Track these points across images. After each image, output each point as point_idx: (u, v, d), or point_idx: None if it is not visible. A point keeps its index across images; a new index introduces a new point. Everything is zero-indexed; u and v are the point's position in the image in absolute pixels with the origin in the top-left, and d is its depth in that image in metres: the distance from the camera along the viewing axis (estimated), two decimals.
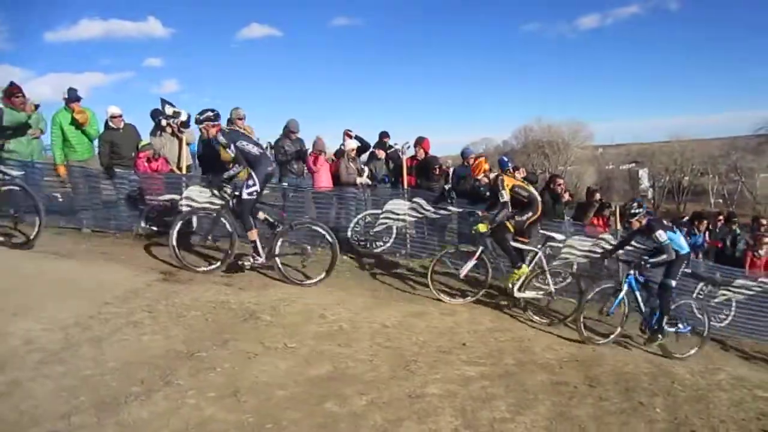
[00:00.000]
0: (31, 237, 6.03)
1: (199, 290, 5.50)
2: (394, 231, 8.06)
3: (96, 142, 7.65)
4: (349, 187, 8.35)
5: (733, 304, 8.26)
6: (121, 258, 6.31)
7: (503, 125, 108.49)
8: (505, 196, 6.33)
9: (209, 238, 6.39)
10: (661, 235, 6.03)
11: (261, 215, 6.22)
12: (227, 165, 8.24)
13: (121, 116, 7.54)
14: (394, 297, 6.42)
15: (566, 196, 8.66)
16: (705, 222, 9.01)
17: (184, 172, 7.77)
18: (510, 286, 6.54)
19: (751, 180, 39.65)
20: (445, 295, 6.59)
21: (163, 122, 7.63)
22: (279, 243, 6.25)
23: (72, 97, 7.39)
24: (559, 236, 6.88)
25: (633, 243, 6.90)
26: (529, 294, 6.56)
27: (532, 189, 6.68)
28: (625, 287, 6.17)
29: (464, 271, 6.54)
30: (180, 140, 7.79)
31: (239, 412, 3.41)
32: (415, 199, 8.07)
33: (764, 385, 5.15)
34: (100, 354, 3.91)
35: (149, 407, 3.33)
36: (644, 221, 6.22)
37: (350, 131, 8.68)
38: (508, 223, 6.39)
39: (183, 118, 7.65)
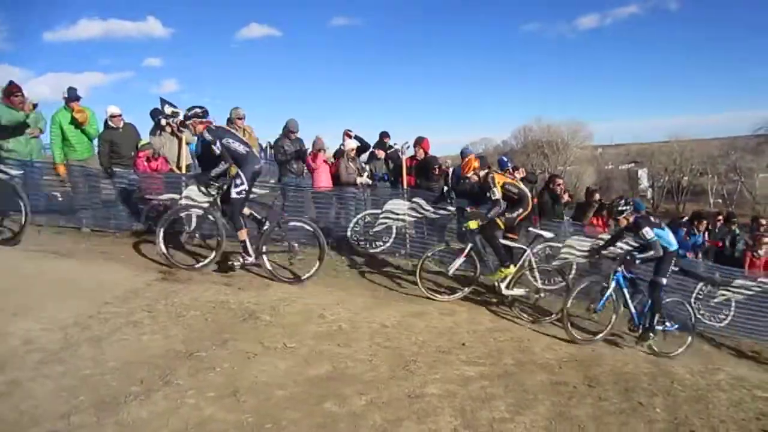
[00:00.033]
0: (17, 233, 6.03)
1: (198, 290, 5.50)
2: (394, 231, 8.06)
3: (95, 142, 7.65)
4: (349, 187, 8.35)
5: (733, 304, 8.26)
6: (121, 257, 6.31)
7: (503, 125, 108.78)
8: (497, 193, 6.34)
9: (196, 235, 6.36)
10: (648, 232, 6.02)
11: (246, 211, 6.19)
12: None
13: (120, 116, 7.54)
14: (394, 297, 6.42)
15: (565, 197, 8.66)
16: (704, 222, 9.01)
17: (183, 171, 7.77)
18: (496, 283, 6.54)
19: (751, 180, 39.69)
20: (433, 293, 6.59)
21: (163, 122, 7.63)
22: (266, 240, 6.24)
23: (72, 96, 7.40)
24: (548, 234, 6.88)
25: (630, 243, 6.89)
26: (517, 291, 6.56)
27: (521, 185, 6.69)
28: (613, 284, 6.15)
29: (453, 268, 6.56)
30: (179, 140, 7.79)
31: (239, 411, 3.41)
32: (414, 199, 8.07)
33: (763, 385, 5.16)
34: (100, 354, 3.91)
35: (149, 407, 3.33)
36: (631, 219, 6.21)
37: (350, 131, 8.69)
38: (498, 220, 6.40)
39: (182, 117, 7.64)
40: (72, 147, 7.45)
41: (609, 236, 7.18)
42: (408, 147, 8.75)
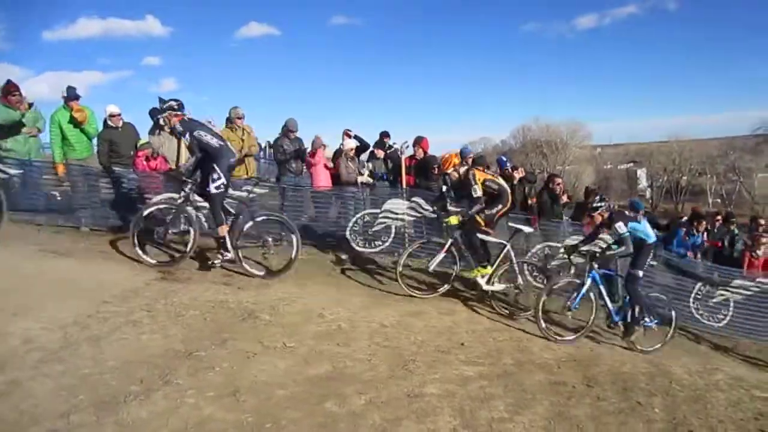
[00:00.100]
0: None
1: (197, 290, 5.50)
2: (393, 230, 8.05)
3: (95, 141, 7.65)
4: (348, 187, 8.35)
5: (731, 304, 8.26)
6: (120, 257, 6.30)
7: (502, 125, 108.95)
8: (478, 191, 6.32)
9: (169, 232, 6.28)
10: (621, 227, 5.97)
11: None
12: None
13: (119, 115, 7.53)
14: (393, 296, 6.42)
15: (564, 198, 8.66)
16: (704, 222, 9.01)
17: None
18: (473, 278, 6.52)
19: (749, 180, 39.76)
20: (414, 290, 6.56)
21: (162, 121, 7.62)
22: (240, 234, 6.22)
23: (71, 95, 7.39)
24: (527, 228, 6.88)
25: (606, 239, 6.82)
26: (497, 287, 6.54)
27: (501, 181, 6.66)
28: (588, 281, 6.10)
29: (434, 263, 6.53)
30: (179, 139, 7.76)
31: (238, 411, 3.41)
32: (413, 199, 8.07)
33: (762, 385, 5.18)
34: (99, 353, 3.91)
35: (148, 406, 3.34)
36: (606, 215, 6.20)
37: (349, 131, 8.69)
38: (477, 217, 6.38)
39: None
40: (71, 146, 7.43)
41: (609, 237, 7.20)
42: (407, 146, 8.75)
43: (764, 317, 8.13)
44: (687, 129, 43.97)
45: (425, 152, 8.70)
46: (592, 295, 6.14)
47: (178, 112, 6.10)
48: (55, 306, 4.53)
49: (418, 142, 8.71)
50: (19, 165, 7.24)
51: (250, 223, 6.30)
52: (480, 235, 6.44)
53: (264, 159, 11.84)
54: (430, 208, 7.97)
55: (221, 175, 5.93)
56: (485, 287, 6.48)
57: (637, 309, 6.18)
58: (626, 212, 6.53)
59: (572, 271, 7.45)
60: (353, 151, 8.49)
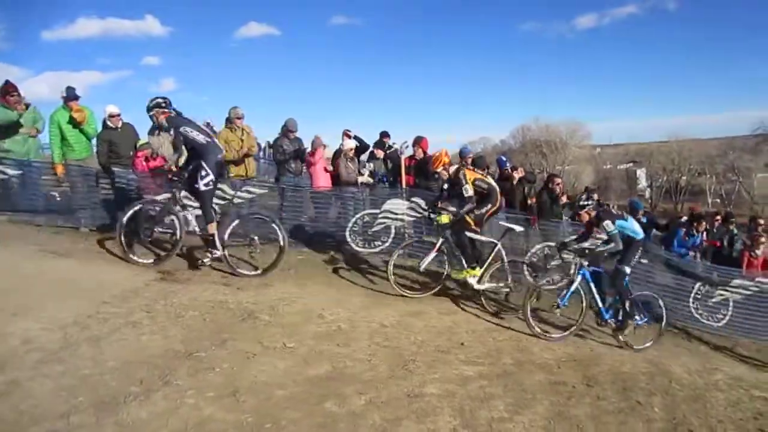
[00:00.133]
0: None
1: (197, 290, 5.50)
2: (393, 231, 8.06)
3: (94, 141, 7.65)
4: (348, 187, 8.35)
5: (731, 303, 8.28)
6: (119, 257, 6.30)
7: (501, 125, 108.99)
8: (470, 190, 6.29)
9: (156, 231, 6.29)
10: (609, 225, 5.98)
11: None
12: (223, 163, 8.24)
13: (119, 115, 7.52)
14: (392, 297, 6.41)
15: (564, 198, 8.67)
16: (704, 223, 9.03)
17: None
18: (462, 279, 6.50)
19: (749, 180, 39.79)
20: (405, 289, 6.54)
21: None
22: (226, 233, 6.22)
23: (70, 95, 7.39)
24: (518, 228, 6.89)
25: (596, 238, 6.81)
26: (488, 286, 6.52)
27: (491, 181, 6.63)
28: (578, 279, 6.09)
29: (425, 263, 6.51)
30: None
31: (238, 411, 3.41)
32: (413, 199, 8.07)
33: (761, 385, 5.18)
34: (99, 354, 3.91)
35: (148, 407, 3.33)
36: (593, 213, 6.21)
37: (349, 131, 8.70)
38: (467, 218, 6.34)
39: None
40: (70, 146, 7.44)
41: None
42: (407, 147, 8.76)
43: (763, 317, 8.15)
44: (686, 129, 44.12)
45: (425, 152, 8.70)
46: (582, 292, 6.12)
47: (165, 109, 6.09)
48: (55, 306, 4.53)
49: (418, 142, 8.72)
50: (18, 165, 7.24)
51: (237, 222, 6.31)
52: (470, 234, 6.41)
53: (263, 159, 11.85)
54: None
55: (209, 171, 5.93)
56: (476, 286, 6.45)
57: (627, 305, 6.17)
58: (613, 210, 6.52)
59: (572, 270, 7.46)
60: (353, 151, 8.50)
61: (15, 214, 7.22)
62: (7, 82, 7.13)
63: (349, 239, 8.02)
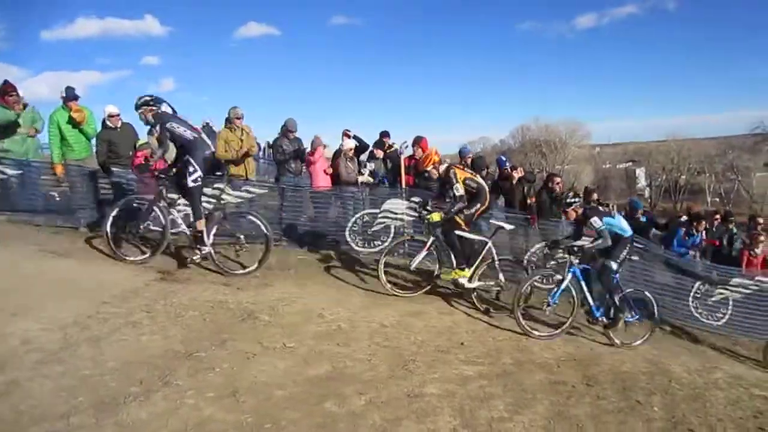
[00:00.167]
0: None
1: (197, 290, 5.50)
2: (392, 230, 8.06)
3: (93, 141, 7.64)
4: (348, 187, 8.35)
5: (730, 302, 8.29)
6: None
7: (501, 124, 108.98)
8: (460, 189, 6.27)
9: (141, 227, 6.25)
10: (596, 221, 5.99)
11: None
12: (221, 162, 8.26)
13: (118, 115, 7.51)
14: (392, 296, 6.42)
15: (600, 208, 8.65)
16: (703, 222, 9.04)
17: None
18: (451, 279, 6.49)
19: (748, 179, 39.83)
20: (397, 288, 6.52)
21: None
22: (212, 231, 6.22)
23: (69, 95, 7.38)
24: (508, 226, 6.88)
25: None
26: (479, 284, 6.51)
27: (480, 180, 6.61)
28: (569, 276, 6.07)
29: (416, 262, 6.50)
30: None
31: (238, 412, 3.41)
32: (412, 199, 8.07)
33: (761, 384, 5.19)
34: (99, 354, 3.91)
35: (148, 407, 3.33)
36: (580, 211, 6.21)
37: (349, 131, 8.70)
38: (457, 218, 6.32)
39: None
40: (70, 146, 7.43)
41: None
42: (406, 146, 8.75)
43: (763, 315, 8.15)
44: (685, 128, 44.33)
45: (424, 152, 8.69)
46: (572, 290, 6.10)
47: (153, 107, 6.09)
48: (55, 306, 4.53)
49: (417, 142, 8.70)
50: (17, 165, 7.23)
51: (223, 220, 6.31)
52: (460, 233, 6.39)
53: (263, 159, 11.85)
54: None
55: (197, 168, 5.93)
56: (467, 285, 6.44)
57: (617, 300, 6.16)
58: (600, 208, 6.51)
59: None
60: (352, 151, 8.49)
61: (14, 214, 7.22)
62: (5, 82, 7.13)
63: (348, 239, 8.03)
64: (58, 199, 7.61)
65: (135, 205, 6.31)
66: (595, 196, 9.37)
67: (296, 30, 69.87)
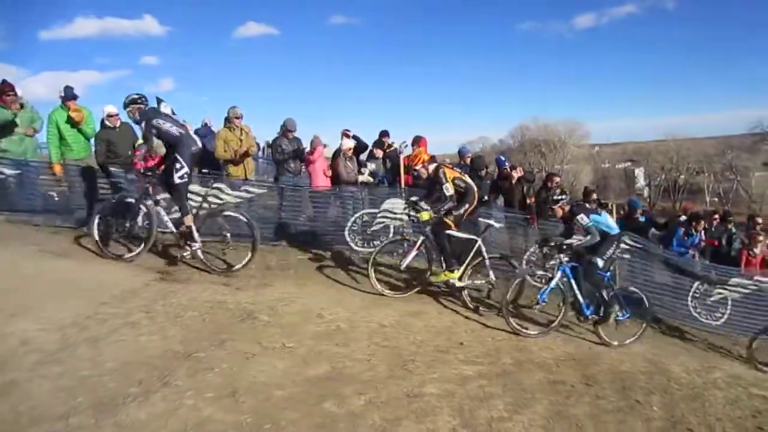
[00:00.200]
0: None
1: (196, 290, 5.49)
2: (392, 230, 8.06)
3: (92, 141, 7.63)
4: (347, 186, 8.35)
5: (729, 302, 8.30)
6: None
7: (500, 124, 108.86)
8: (450, 189, 6.24)
9: (128, 225, 6.25)
10: (583, 218, 5.99)
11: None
12: (221, 162, 8.26)
13: (117, 115, 7.48)
14: (393, 296, 6.41)
15: (587, 206, 8.66)
16: (702, 222, 9.05)
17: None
18: (441, 282, 6.48)
19: (746, 179, 39.83)
20: (387, 288, 6.49)
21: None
22: (198, 229, 6.23)
23: (68, 95, 7.37)
24: (497, 224, 6.88)
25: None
26: (469, 283, 6.50)
27: (468, 180, 6.58)
28: (558, 274, 6.05)
29: (406, 262, 6.46)
30: None
31: (237, 412, 3.41)
32: (412, 198, 8.04)
33: (759, 383, 5.19)
34: (98, 354, 3.90)
35: (147, 408, 3.33)
36: (567, 208, 6.19)
37: (348, 131, 8.71)
38: (447, 219, 6.30)
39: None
40: (69, 146, 7.42)
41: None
42: (406, 146, 8.76)
43: (762, 315, 8.16)
44: (684, 128, 44.07)
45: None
46: (562, 288, 6.09)
47: (141, 105, 6.12)
48: (54, 307, 4.52)
49: (417, 141, 8.71)
50: (15, 165, 7.22)
51: (210, 219, 6.31)
52: (450, 232, 6.37)
53: (262, 159, 11.85)
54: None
55: (183, 164, 5.93)
56: (457, 284, 6.43)
57: (605, 294, 6.13)
58: (587, 205, 6.50)
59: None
60: (351, 150, 8.49)
61: (13, 214, 7.21)
62: (3, 82, 7.12)
63: (348, 239, 8.02)
64: (56, 199, 7.60)
65: (122, 203, 6.32)
66: (594, 196, 9.39)
67: (295, 30, 69.67)
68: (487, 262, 6.47)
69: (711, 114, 70.82)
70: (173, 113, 7.72)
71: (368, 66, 70.86)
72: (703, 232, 9.08)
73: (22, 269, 5.41)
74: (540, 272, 6.40)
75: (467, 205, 6.36)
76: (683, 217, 9.81)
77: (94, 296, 4.89)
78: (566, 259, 6.10)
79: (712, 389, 4.84)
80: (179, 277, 5.88)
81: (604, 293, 6.15)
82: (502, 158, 10.08)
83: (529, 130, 45.39)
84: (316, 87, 74.03)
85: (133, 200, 6.21)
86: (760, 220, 10.04)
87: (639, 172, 44.59)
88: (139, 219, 6.25)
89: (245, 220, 6.37)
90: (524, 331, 5.82)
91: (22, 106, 7.23)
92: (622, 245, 6.80)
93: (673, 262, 8.44)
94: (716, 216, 9.91)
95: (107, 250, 6.14)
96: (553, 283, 6.04)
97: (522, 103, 75.92)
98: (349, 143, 8.47)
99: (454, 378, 4.30)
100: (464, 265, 6.41)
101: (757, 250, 8.68)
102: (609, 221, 6.30)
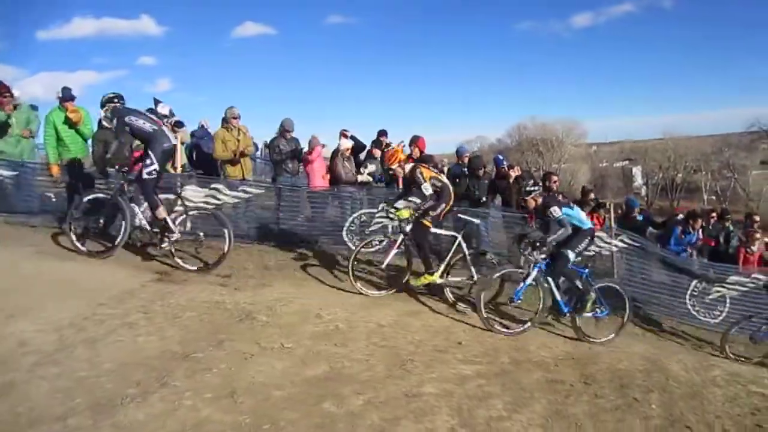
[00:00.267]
0: None
1: (194, 290, 5.48)
2: (390, 230, 8.04)
3: (90, 142, 7.61)
4: (345, 186, 8.34)
5: (727, 300, 8.31)
6: (117, 258, 6.27)
7: (498, 123, 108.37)
8: (430, 188, 6.23)
9: (102, 222, 6.24)
10: (555, 210, 5.92)
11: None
12: (218, 163, 8.25)
13: None
14: (390, 296, 6.42)
15: (560, 198, 8.67)
16: (699, 221, 9.07)
17: (179, 171, 7.75)
18: (420, 285, 6.45)
19: (744, 177, 39.87)
20: (367, 287, 6.47)
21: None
22: (177, 221, 6.22)
23: (66, 96, 7.35)
24: (476, 220, 6.88)
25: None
26: (451, 280, 6.49)
27: (444, 179, 6.56)
28: (534, 272, 5.99)
29: (386, 261, 6.45)
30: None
31: (236, 413, 3.40)
32: (410, 198, 8.03)
33: (758, 381, 5.19)
34: (95, 355, 3.89)
35: (145, 409, 3.32)
36: (539, 199, 6.15)
37: (346, 131, 8.70)
38: (424, 221, 6.27)
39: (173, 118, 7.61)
40: (66, 147, 7.39)
41: (604, 234, 7.16)
42: (404, 146, 8.74)
43: (760, 313, 8.17)
44: (682, 126, 44.25)
45: (422, 151, 8.69)
46: (538, 285, 6.03)
47: (116, 103, 6.15)
48: (51, 308, 4.51)
49: (415, 141, 8.71)
50: (11, 166, 7.20)
51: (183, 217, 6.30)
52: (432, 231, 6.38)
53: (260, 159, 11.84)
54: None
55: (154, 161, 5.94)
56: (438, 281, 6.42)
57: (578, 284, 6.08)
58: (559, 198, 6.47)
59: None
60: (349, 151, 8.49)
61: (10, 216, 7.19)
62: None
63: (346, 239, 8.01)
64: (54, 200, 7.58)
65: (97, 200, 6.31)
66: (592, 196, 9.40)
67: (292, 29, 69.38)
68: (469, 258, 6.45)
69: (708, 112, 70.77)
70: (171, 114, 7.73)
71: (366, 66, 70.67)
72: (700, 230, 9.10)
73: (20, 270, 5.40)
74: (512, 270, 6.30)
75: (444, 205, 6.32)
76: (681, 216, 9.83)
77: (92, 297, 4.88)
78: (542, 256, 6.05)
79: (711, 387, 4.84)
80: (177, 278, 5.87)
81: (578, 283, 6.09)
82: (500, 157, 10.07)
83: (526, 129, 45.40)
84: (313, 87, 73.83)
85: (107, 197, 6.21)
86: (757, 218, 10.07)
87: (636, 171, 44.61)
88: (114, 216, 6.25)
89: (217, 218, 6.35)
90: (498, 327, 5.80)
91: (15, 107, 7.21)
92: (595, 241, 6.70)
93: (671, 260, 8.45)
94: (714, 214, 9.93)
95: (83, 247, 6.13)
96: (529, 281, 5.99)
97: (520, 102, 76.08)
98: (347, 143, 8.47)
99: (453, 377, 4.29)
100: (445, 262, 6.41)
101: (754, 248, 8.70)
102: (581, 215, 6.24)
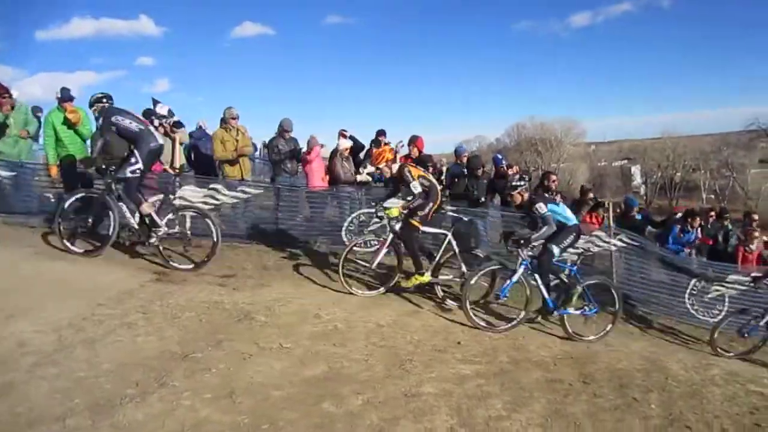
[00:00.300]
0: None
1: (193, 291, 5.48)
2: (389, 230, 8.02)
3: (89, 142, 7.59)
4: (344, 186, 8.34)
5: (726, 299, 8.31)
6: (115, 258, 6.27)
7: (496, 123, 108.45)
8: (419, 186, 6.20)
9: (91, 221, 6.25)
10: (541, 207, 5.88)
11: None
12: (216, 163, 8.25)
13: None
14: (389, 296, 6.41)
15: (558, 198, 8.66)
16: (698, 219, 9.07)
17: (177, 171, 7.74)
18: (411, 286, 6.43)
19: (743, 176, 39.88)
20: (356, 287, 6.42)
21: (156, 122, 7.59)
22: (165, 217, 6.23)
23: (65, 96, 7.33)
24: (465, 218, 6.87)
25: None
26: (441, 278, 6.48)
27: (432, 178, 6.54)
28: (521, 269, 5.94)
29: (376, 261, 6.43)
30: (173, 140, 7.75)
31: (235, 413, 3.40)
32: (409, 198, 8.04)
33: (757, 380, 5.20)
34: (94, 356, 3.89)
35: (144, 409, 3.32)
36: (525, 195, 6.10)
37: (345, 131, 8.70)
38: (413, 221, 6.24)
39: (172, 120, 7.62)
40: (65, 147, 7.38)
41: (603, 233, 7.13)
42: (402, 146, 8.75)
43: (749, 309, 8.17)
44: (680, 125, 44.37)
45: (420, 151, 8.70)
46: (524, 283, 5.99)
47: (104, 103, 6.16)
48: (50, 308, 4.51)
49: (413, 141, 8.72)
50: (10, 167, 7.20)
51: (171, 216, 6.30)
52: (424, 228, 6.37)
53: (259, 159, 11.83)
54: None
55: (139, 160, 5.96)
56: (428, 279, 6.41)
57: (563, 277, 6.06)
58: (545, 194, 6.44)
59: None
60: (348, 150, 8.49)
61: (9, 216, 7.19)
62: None
63: (345, 239, 8.00)
64: (53, 200, 7.57)
65: (85, 199, 6.31)
66: (590, 195, 9.40)
67: (291, 30, 69.22)
68: (459, 256, 6.43)
69: (707, 111, 70.86)
70: (171, 114, 7.74)
71: (364, 66, 70.68)
72: (699, 229, 9.10)
73: (19, 271, 5.40)
74: (498, 267, 6.27)
75: (432, 204, 6.30)
76: (679, 215, 9.83)
77: (91, 297, 4.88)
78: (529, 253, 6.02)
79: (710, 386, 4.85)
80: (176, 278, 5.87)
81: (562, 277, 6.08)
82: (499, 157, 10.08)
83: (525, 128, 45.41)
84: (312, 87, 73.75)
85: (95, 196, 6.22)
86: (756, 217, 10.07)
87: (635, 170, 44.63)
88: (102, 214, 6.25)
89: (206, 217, 6.35)
90: (488, 326, 5.78)
91: (12, 107, 7.20)
92: (581, 238, 6.67)
93: (669, 259, 8.45)
94: (712, 213, 9.93)
95: (73, 246, 6.14)
96: (515, 278, 5.95)
97: (518, 102, 76.00)
98: (346, 143, 8.46)
99: (452, 377, 4.30)
100: (435, 260, 6.40)
101: (753, 247, 8.70)
102: (566, 212, 6.20)
